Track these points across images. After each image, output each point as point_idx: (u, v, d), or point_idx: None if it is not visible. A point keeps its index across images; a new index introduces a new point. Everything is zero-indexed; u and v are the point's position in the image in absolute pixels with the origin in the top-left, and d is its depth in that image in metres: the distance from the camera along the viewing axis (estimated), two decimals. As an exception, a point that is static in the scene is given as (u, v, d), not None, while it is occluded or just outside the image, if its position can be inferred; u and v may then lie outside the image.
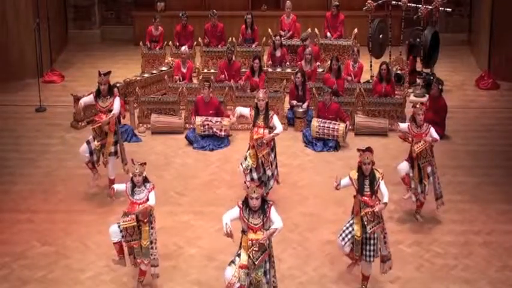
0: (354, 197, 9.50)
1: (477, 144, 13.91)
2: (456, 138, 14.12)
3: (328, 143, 13.66)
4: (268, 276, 9.04)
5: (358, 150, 9.46)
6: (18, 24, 16.55)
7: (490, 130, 14.49)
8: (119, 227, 9.50)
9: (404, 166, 11.24)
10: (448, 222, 11.42)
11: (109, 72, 11.79)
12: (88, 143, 11.78)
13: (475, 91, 16.32)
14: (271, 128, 11.35)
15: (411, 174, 11.16)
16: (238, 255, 8.99)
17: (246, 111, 11.68)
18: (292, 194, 12.24)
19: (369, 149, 9.38)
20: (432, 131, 11.04)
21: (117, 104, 11.69)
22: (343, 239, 9.56)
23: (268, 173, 11.54)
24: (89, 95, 12.45)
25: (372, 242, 9.47)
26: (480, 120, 14.94)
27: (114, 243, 9.65)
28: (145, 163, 9.63)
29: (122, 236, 9.50)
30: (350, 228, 9.53)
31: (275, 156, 11.66)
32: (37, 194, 12.27)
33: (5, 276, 10.19)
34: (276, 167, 11.78)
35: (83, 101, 12.03)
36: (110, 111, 11.63)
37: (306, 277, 10.18)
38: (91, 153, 11.75)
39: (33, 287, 10.02)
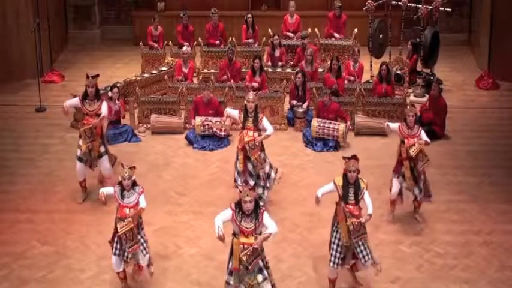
0: (336, 203, 9.48)
1: (477, 144, 13.91)
2: (456, 138, 14.12)
3: (328, 143, 13.66)
4: (264, 272, 9.00)
5: (344, 158, 9.45)
6: (18, 24, 16.56)
7: (490, 130, 14.49)
8: (118, 256, 9.55)
9: (396, 188, 11.17)
10: (448, 222, 11.42)
11: (97, 76, 11.76)
12: (80, 160, 11.76)
13: (475, 91, 16.33)
14: (261, 130, 11.30)
15: (398, 181, 11.13)
16: (230, 273, 8.98)
17: (234, 113, 11.63)
18: (292, 194, 12.24)
19: (354, 157, 9.37)
20: (423, 133, 10.98)
21: (104, 107, 11.69)
22: (336, 263, 9.52)
23: (263, 172, 11.50)
24: (74, 97, 12.39)
25: (360, 244, 9.44)
26: (480, 120, 14.95)
27: (117, 272, 9.71)
28: (134, 167, 9.63)
29: (125, 258, 9.58)
30: (338, 251, 9.51)
31: (265, 155, 11.60)
32: (37, 194, 12.27)
33: (5, 276, 10.19)
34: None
35: (68, 103, 11.89)
36: (97, 115, 11.60)
37: (306, 277, 10.18)
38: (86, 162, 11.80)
39: (33, 287, 10.03)
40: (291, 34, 16.84)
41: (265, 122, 11.30)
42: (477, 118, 15.02)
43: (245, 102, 11.29)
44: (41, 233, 11.15)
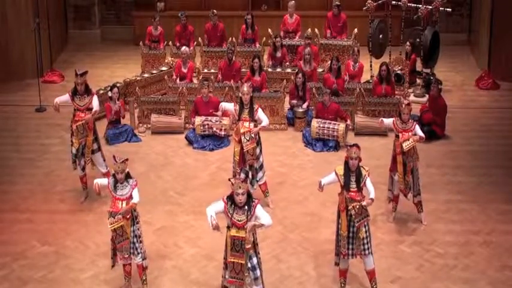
0: (339, 194, 9.48)
1: (477, 144, 13.91)
2: (456, 138, 14.12)
3: (328, 143, 13.66)
4: (257, 271, 8.99)
5: (346, 146, 9.42)
6: (18, 24, 16.57)
7: (490, 130, 14.49)
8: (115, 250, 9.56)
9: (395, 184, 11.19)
10: (448, 222, 11.42)
11: (86, 72, 11.76)
12: (74, 162, 11.77)
13: (475, 91, 16.33)
14: (256, 121, 11.34)
15: (395, 177, 11.12)
16: (226, 266, 9.01)
17: (230, 106, 11.70)
18: (292, 194, 12.24)
19: (355, 145, 9.40)
20: (417, 128, 10.97)
21: (96, 101, 11.70)
22: (348, 255, 9.51)
23: (256, 165, 11.51)
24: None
25: (364, 235, 9.45)
26: (480, 120, 14.94)
27: (124, 265, 9.69)
28: (127, 159, 9.57)
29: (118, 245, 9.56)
30: (348, 244, 9.50)
31: (261, 151, 11.61)
32: (37, 194, 12.28)
33: (5, 276, 10.19)
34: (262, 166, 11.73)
35: (58, 100, 11.86)
36: (89, 109, 11.62)
37: (306, 277, 10.17)
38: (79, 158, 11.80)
39: (33, 287, 10.03)
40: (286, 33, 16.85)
41: (260, 113, 11.36)
42: (477, 118, 15.02)
43: (240, 94, 11.34)
44: (40, 233, 11.15)
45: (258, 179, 11.60)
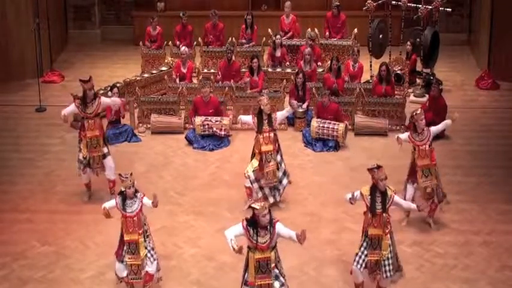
0: (364, 213, 9.43)
1: (477, 144, 13.91)
2: (456, 138, 14.12)
3: (328, 143, 13.66)
4: (280, 278, 8.97)
5: (370, 169, 9.26)
6: (18, 24, 16.57)
7: (490, 130, 14.49)
8: (122, 262, 9.54)
9: (410, 193, 11.09)
10: (448, 222, 11.41)
11: (91, 77, 11.70)
12: (82, 163, 11.74)
13: (475, 91, 16.32)
14: (276, 130, 11.41)
15: (413, 187, 11.09)
16: (245, 283, 8.90)
17: (248, 119, 11.74)
18: (292, 194, 12.23)
19: (380, 166, 9.25)
20: (433, 130, 10.94)
21: (106, 99, 11.74)
22: (361, 265, 9.46)
23: (279, 174, 11.54)
24: (74, 97, 12.26)
25: (387, 256, 9.41)
26: (480, 120, 14.94)
27: (123, 277, 9.67)
28: (131, 173, 9.56)
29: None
30: (365, 253, 9.45)
31: (282, 157, 11.68)
32: (37, 194, 12.28)
33: (5, 276, 10.20)
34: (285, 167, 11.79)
35: (66, 112, 11.73)
36: (97, 115, 11.56)
37: (306, 277, 10.17)
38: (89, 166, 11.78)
39: (33, 287, 10.03)
40: (281, 32, 16.82)
41: (279, 115, 11.59)
42: (477, 118, 15.01)
43: (262, 107, 11.32)
44: (40, 233, 11.15)
45: (284, 185, 11.68)
